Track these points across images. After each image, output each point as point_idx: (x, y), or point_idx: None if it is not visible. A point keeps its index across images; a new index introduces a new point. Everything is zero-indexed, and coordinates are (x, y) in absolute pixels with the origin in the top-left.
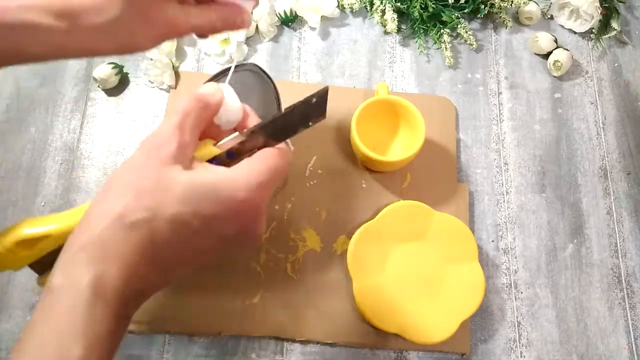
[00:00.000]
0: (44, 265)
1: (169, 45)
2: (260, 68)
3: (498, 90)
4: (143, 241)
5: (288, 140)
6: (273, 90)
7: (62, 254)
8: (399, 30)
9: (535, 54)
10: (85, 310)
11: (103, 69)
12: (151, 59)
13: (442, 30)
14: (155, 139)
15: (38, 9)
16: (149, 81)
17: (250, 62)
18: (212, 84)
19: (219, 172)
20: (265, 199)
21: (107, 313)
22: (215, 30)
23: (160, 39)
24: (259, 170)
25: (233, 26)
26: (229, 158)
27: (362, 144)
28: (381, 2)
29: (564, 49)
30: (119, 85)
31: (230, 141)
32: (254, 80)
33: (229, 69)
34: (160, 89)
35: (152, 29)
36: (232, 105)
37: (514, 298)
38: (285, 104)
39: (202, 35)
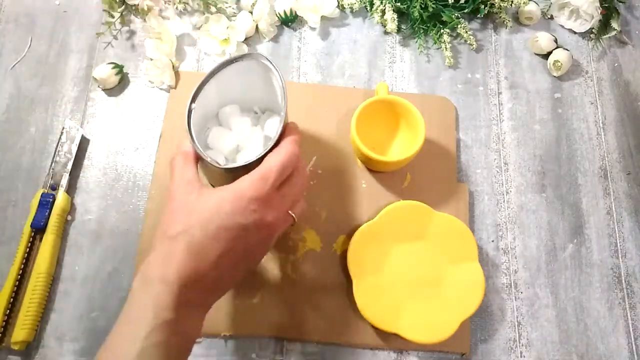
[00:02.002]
0: None
1: (168, 46)
2: (266, 57)
3: (498, 90)
4: (183, 246)
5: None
6: (279, 79)
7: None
8: (399, 30)
9: (535, 54)
10: (153, 296)
11: (103, 69)
12: (151, 59)
13: (442, 30)
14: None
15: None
16: (149, 81)
17: (256, 51)
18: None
19: (224, 188)
20: (270, 191)
21: (170, 298)
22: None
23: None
24: (259, 169)
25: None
26: None
27: (362, 144)
28: (381, 2)
29: (564, 49)
30: (119, 85)
31: None
32: (259, 69)
33: (230, 60)
34: (160, 89)
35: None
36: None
37: (514, 298)
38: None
39: None
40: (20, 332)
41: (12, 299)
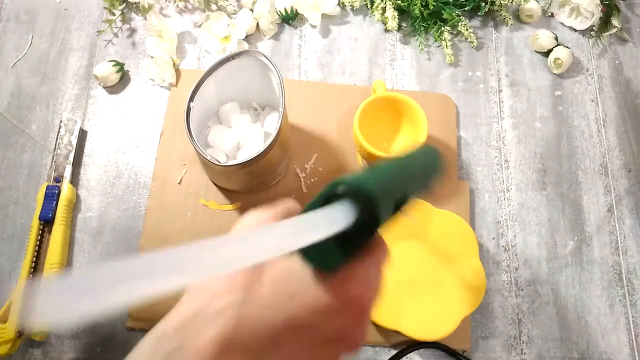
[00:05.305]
0: None
1: (169, 43)
2: (263, 54)
3: (499, 87)
4: (229, 326)
5: None
6: (276, 75)
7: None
8: (399, 28)
9: (536, 51)
10: None
11: (104, 66)
12: (152, 57)
13: (442, 28)
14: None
15: None
16: (150, 79)
17: (256, 49)
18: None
19: None
20: (370, 292)
21: None
22: None
23: None
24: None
25: None
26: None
27: (364, 141)
28: (382, 0)
29: (565, 46)
30: (120, 83)
31: None
32: (256, 66)
33: (227, 58)
34: (161, 86)
35: None
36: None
37: (514, 295)
38: (287, 100)
39: None
40: None
41: None
